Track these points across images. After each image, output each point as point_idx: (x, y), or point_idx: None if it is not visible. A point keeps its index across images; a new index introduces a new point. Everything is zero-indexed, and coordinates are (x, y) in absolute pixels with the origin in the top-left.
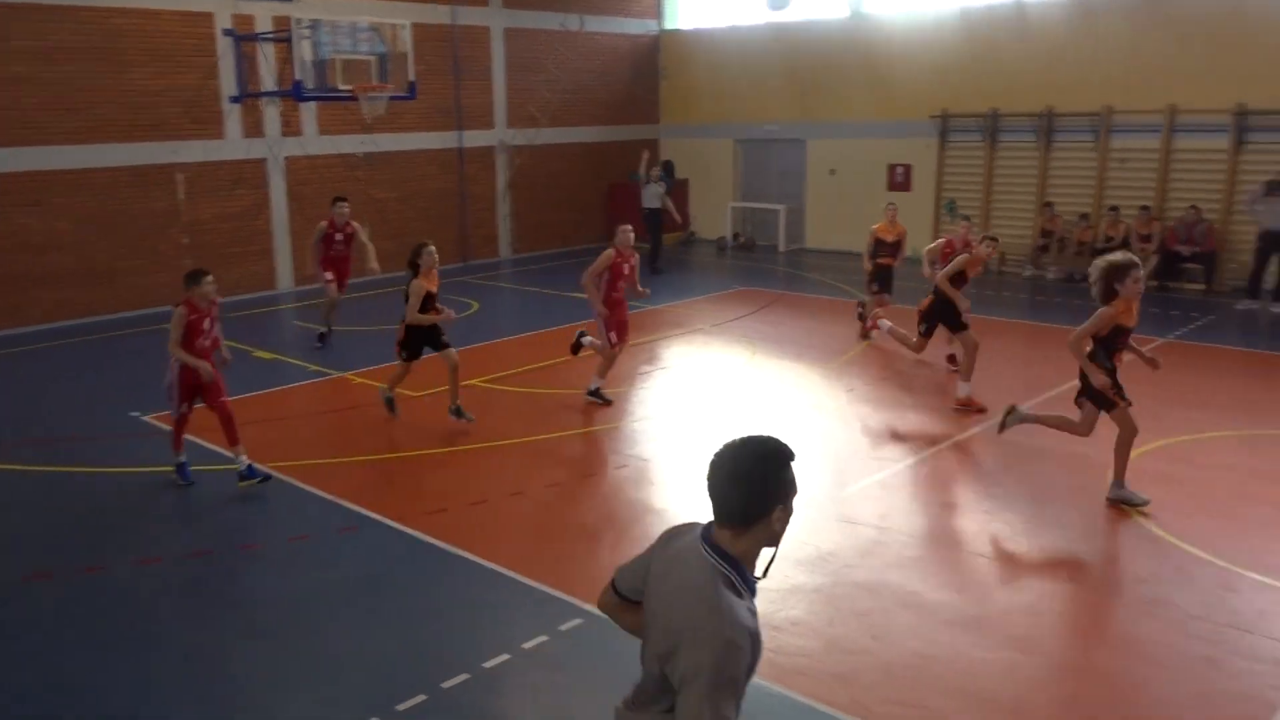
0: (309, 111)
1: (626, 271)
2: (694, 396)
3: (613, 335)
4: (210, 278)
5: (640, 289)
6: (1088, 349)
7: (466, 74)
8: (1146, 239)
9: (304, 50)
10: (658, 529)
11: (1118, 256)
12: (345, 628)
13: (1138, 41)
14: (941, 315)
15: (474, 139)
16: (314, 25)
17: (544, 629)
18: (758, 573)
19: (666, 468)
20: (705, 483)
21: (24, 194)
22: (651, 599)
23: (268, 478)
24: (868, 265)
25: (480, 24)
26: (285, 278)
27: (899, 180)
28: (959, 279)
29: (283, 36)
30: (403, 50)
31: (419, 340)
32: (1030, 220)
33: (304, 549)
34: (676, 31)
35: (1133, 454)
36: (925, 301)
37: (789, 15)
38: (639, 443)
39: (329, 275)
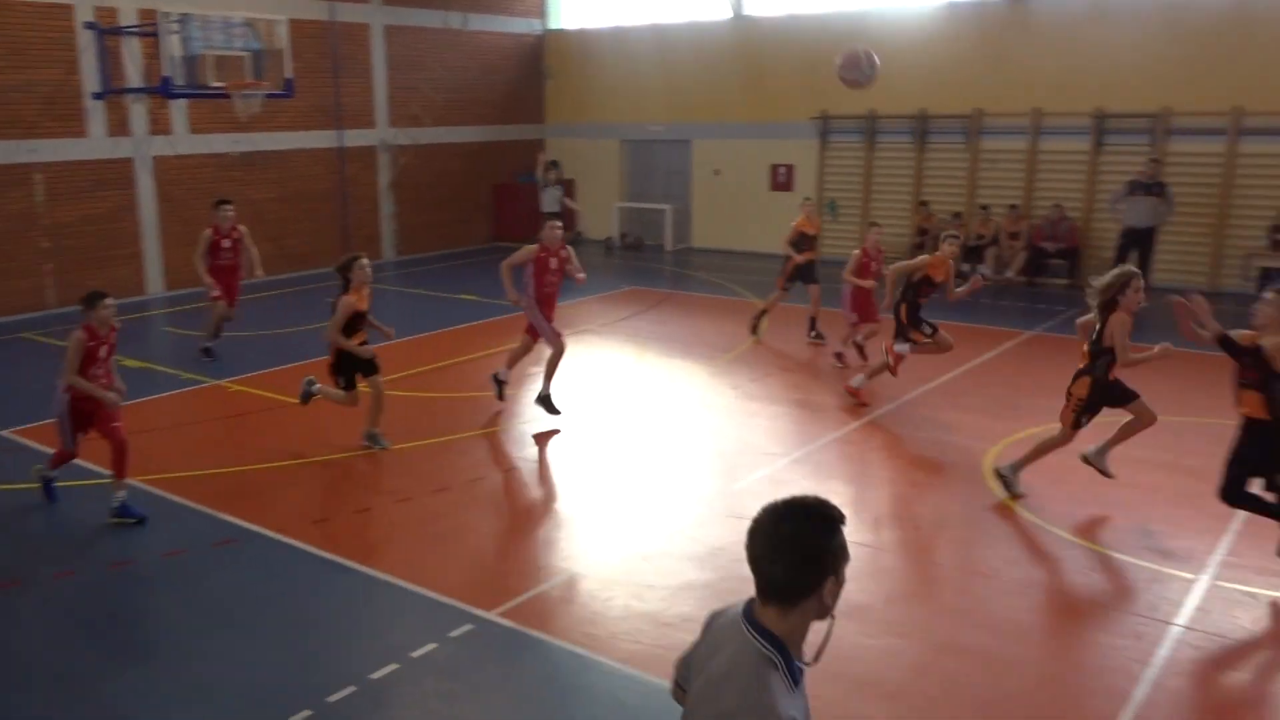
0: (179, 109)
1: (554, 267)
2: (583, 397)
3: (534, 333)
4: (110, 300)
5: (577, 277)
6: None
7: (346, 72)
8: (1015, 236)
9: (173, 45)
10: (549, 531)
11: (1120, 270)
12: (225, 645)
13: (1004, 48)
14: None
15: (355, 138)
16: (183, 20)
17: (433, 636)
18: (807, 657)
19: (557, 469)
20: (745, 553)
21: None
22: (694, 687)
23: (143, 519)
24: (796, 257)
25: (360, 21)
26: (155, 282)
27: (781, 180)
28: (925, 286)
29: (149, 31)
30: (278, 47)
31: (352, 366)
32: (907, 219)
33: (179, 564)
34: (561, 31)
35: (1001, 443)
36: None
37: (670, 16)
38: (528, 445)
39: (215, 291)
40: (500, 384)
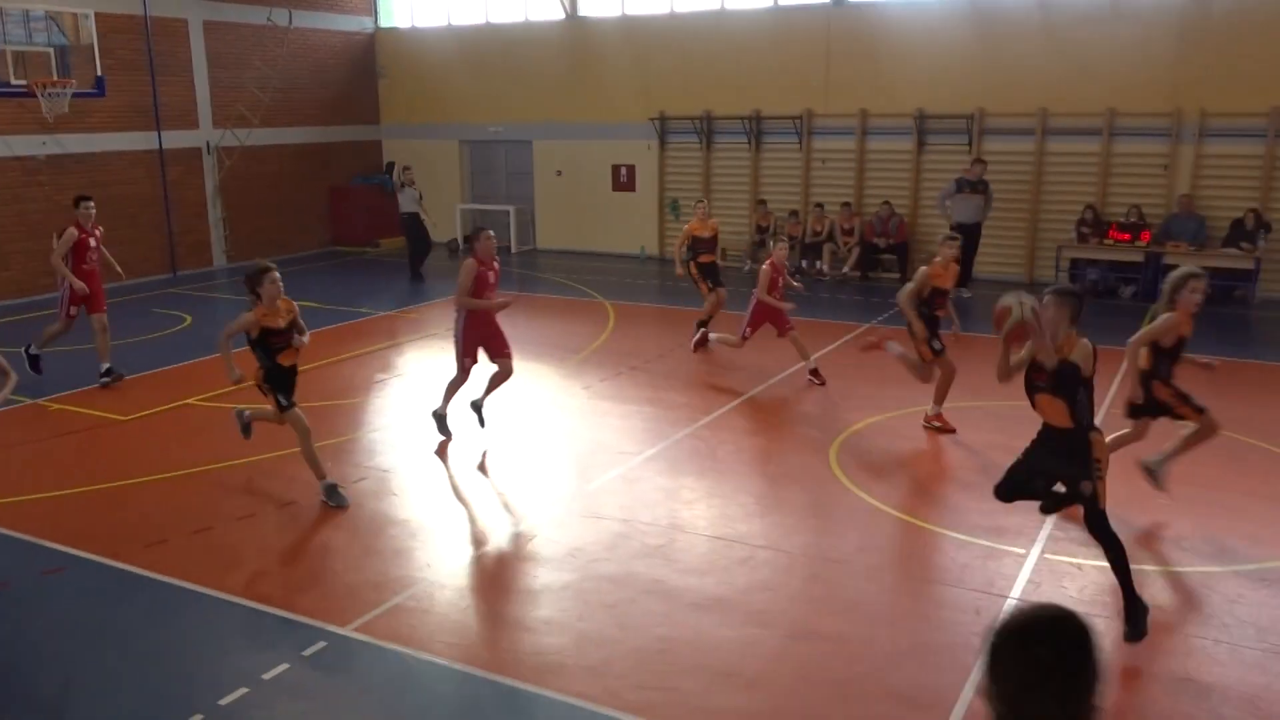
0: None
1: (492, 280)
2: (431, 403)
3: (476, 355)
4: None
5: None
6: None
7: (164, 69)
8: (849, 232)
9: None
10: (403, 540)
11: (1186, 268)
12: (60, 680)
13: (832, 51)
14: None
15: (176, 139)
16: None
17: (285, 657)
18: None
19: (408, 477)
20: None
21: None
22: None
23: None
24: (680, 270)
25: (176, 16)
26: None
27: (624, 181)
28: (938, 297)
29: None
30: (87, 42)
31: (282, 383)
32: (747, 217)
33: (1, 599)
34: (393, 30)
35: (844, 432)
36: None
37: (504, 15)
38: (378, 453)
39: (75, 298)
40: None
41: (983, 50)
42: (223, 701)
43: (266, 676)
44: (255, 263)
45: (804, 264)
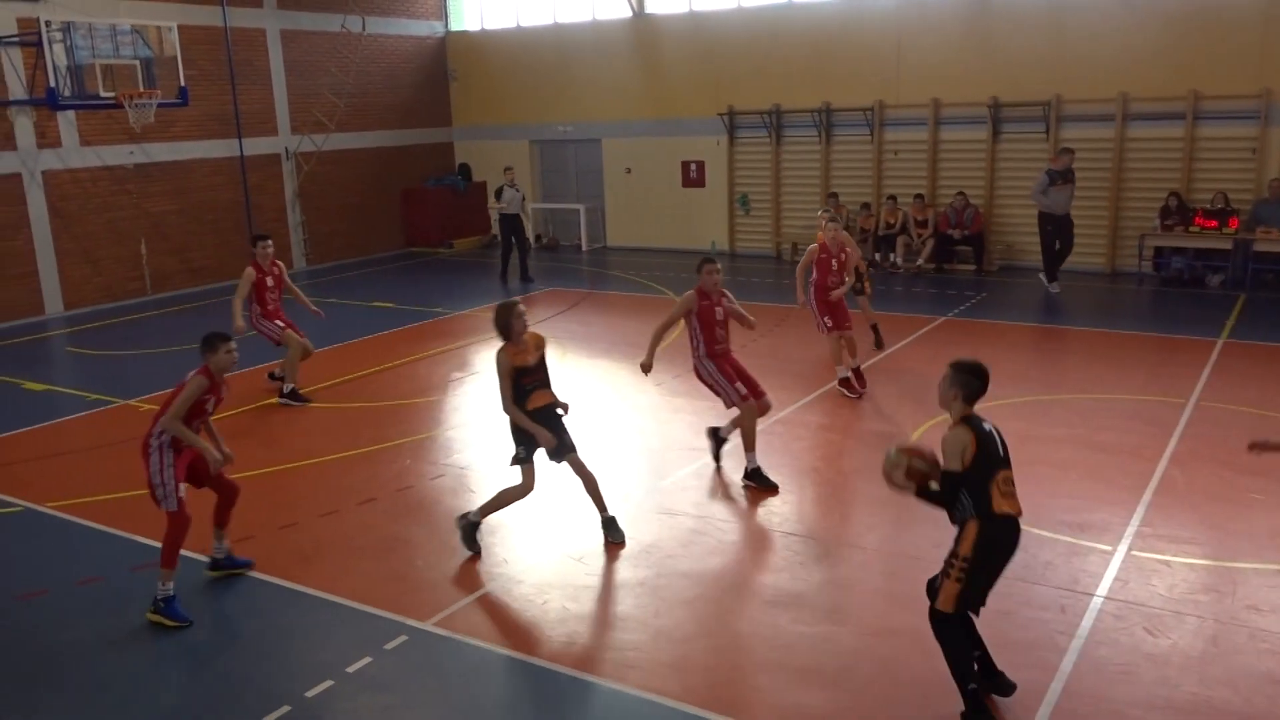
0: (68, 121)
1: (719, 318)
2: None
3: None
4: (233, 344)
5: (748, 322)
6: None
7: (244, 78)
8: (923, 224)
9: (58, 55)
10: (481, 537)
11: None
12: (152, 671)
13: (902, 40)
14: None
15: (256, 146)
16: (67, 28)
17: (368, 650)
18: None
19: (485, 474)
20: None
21: None
22: None
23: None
24: (801, 299)
25: (255, 26)
26: (53, 301)
27: (693, 177)
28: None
29: (30, 40)
30: (170, 53)
31: (522, 434)
32: (818, 211)
33: (96, 592)
34: (463, 33)
35: (921, 427)
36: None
37: (571, 15)
38: (454, 450)
39: (280, 324)
40: (720, 441)
41: (1058, 34)
42: (309, 693)
43: (350, 669)
44: (502, 301)
45: (877, 257)
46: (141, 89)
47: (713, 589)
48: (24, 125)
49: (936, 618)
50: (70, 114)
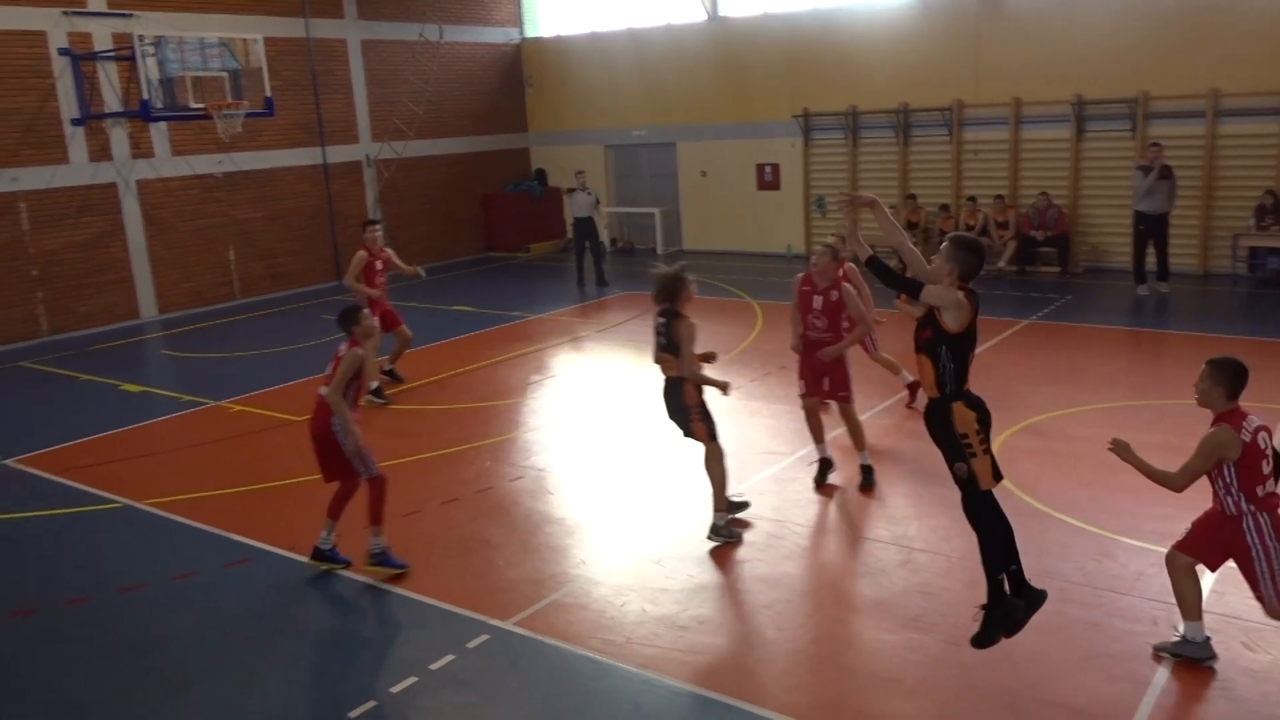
0: (160, 132)
1: (817, 306)
2: (585, 404)
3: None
4: (367, 311)
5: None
6: None
7: (326, 88)
8: (1004, 225)
9: (149, 68)
10: (559, 538)
11: None
12: (242, 665)
13: (982, 39)
14: None
15: (338, 154)
16: (158, 42)
17: (450, 648)
18: None
19: (563, 477)
20: None
21: None
22: None
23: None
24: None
25: (336, 36)
26: (148, 305)
27: (768, 179)
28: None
29: (125, 54)
30: (256, 65)
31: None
32: (896, 213)
33: (191, 587)
34: (538, 39)
35: (1004, 434)
36: None
37: (646, 20)
38: (533, 452)
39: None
40: (825, 466)
41: (1145, 29)
42: (394, 689)
43: (434, 667)
44: (673, 269)
45: None
46: (229, 100)
47: (791, 594)
48: (119, 137)
49: (979, 500)
50: (162, 125)
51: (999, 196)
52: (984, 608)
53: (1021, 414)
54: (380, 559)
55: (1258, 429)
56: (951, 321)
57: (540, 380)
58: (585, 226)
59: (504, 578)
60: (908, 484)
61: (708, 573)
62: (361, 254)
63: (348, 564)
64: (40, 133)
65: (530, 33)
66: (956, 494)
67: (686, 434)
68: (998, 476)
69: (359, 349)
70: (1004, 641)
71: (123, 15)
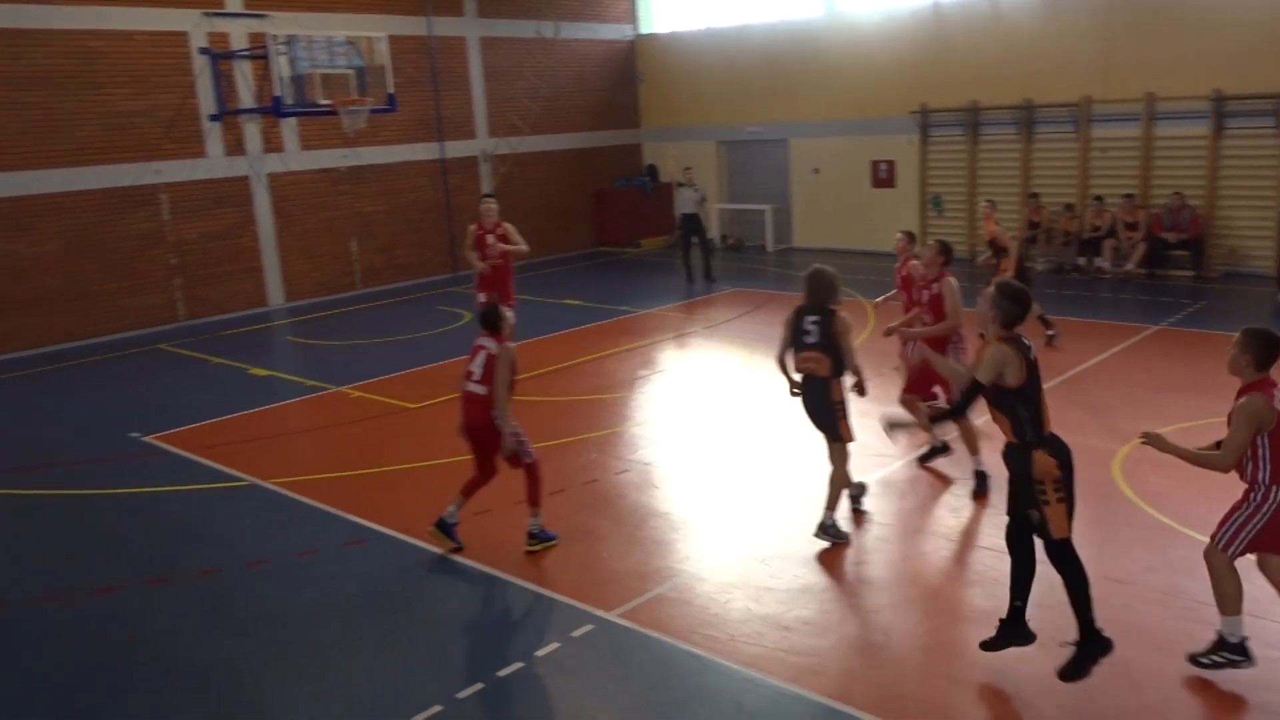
0: (290, 127)
1: (923, 300)
2: (692, 400)
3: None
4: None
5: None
6: None
7: (445, 84)
8: (1133, 227)
9: (281, 66)
10: (664, 532)
11: None
12: (358, 641)
13: (1113, 31)
14: None
15: (456, 149)
16: (290, 41)
17: (556, 636)
18: None
19: (668, 472)
20: None
21: (9, 218)
22: None
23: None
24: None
25: (456, 34)
26: (276, 294)
27: (883, 177)
28: None
29: (259, 53)
30: (380, 63)
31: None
32: (1017, 212)
33: (312, 564)
34: (652, 35)
35: (1130, 443)
36: None
37: (762, 15)
38: (639, 447)
39: (482, 297)
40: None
41: None
42: (501, 673)
43: (540, 653)
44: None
45: (1081, 261)
46: (354, 96)
47: (899, 600)
48: (252, 132)
49: (1061, 548)
50: (292, 121)
51: (1128, 196)
52: (1076, 644)
53: (1149, 424)
54: (539, 536)
55: None
56: (1010, 378)
57: (648, 375)
58: (691, 222)
59: (609, 569)
60: (1000, 494)
61: (814, 574)
62: (472, 227)
63: (460, 548)
64: (181, 128)
65: (644, 29)
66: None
67: (829, 432)
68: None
69: (509, 344)
70: (1122, 659)
71: (258, 16)
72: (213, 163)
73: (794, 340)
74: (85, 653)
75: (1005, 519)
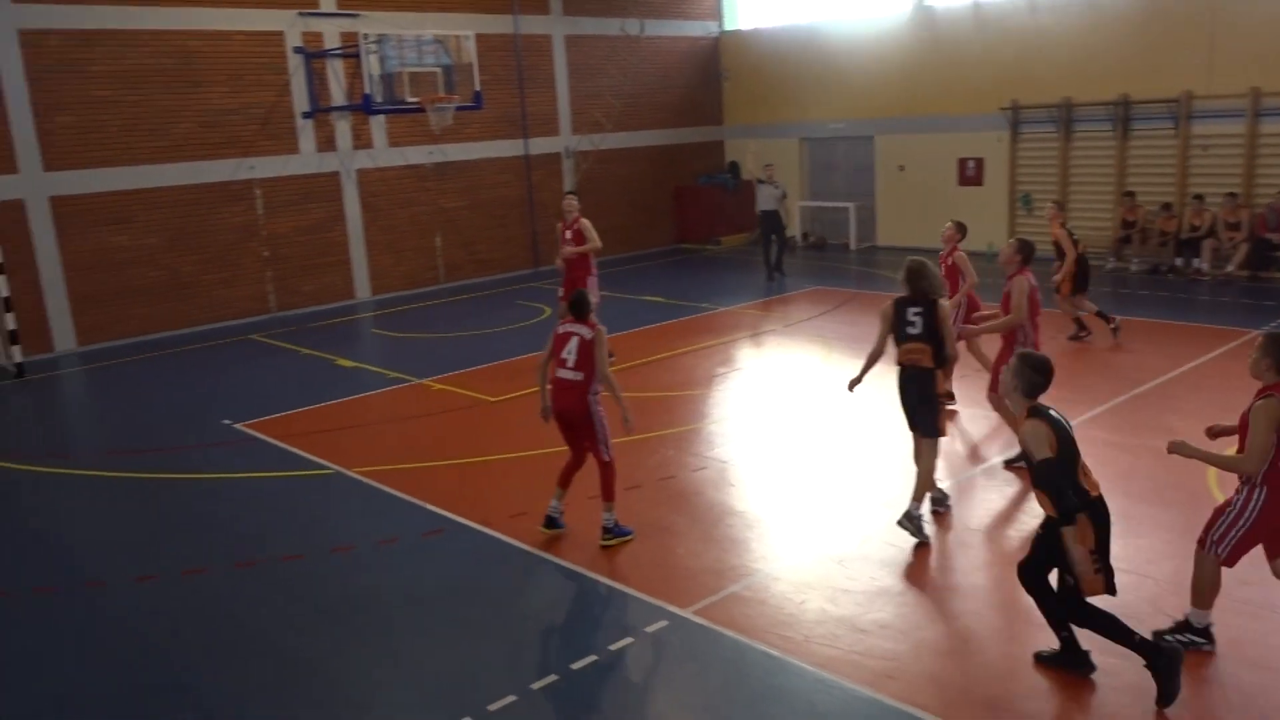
0: (378, 124)
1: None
2: (770, 398)
3: None
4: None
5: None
6: None
7: (530, 82)
8: (1234, 227)
9: (372, 65)
10: (740, 530)
11: None
12: (436, 628)
13: (1214, 24)
14: None
15: (540, 146)
16: (381, 40)
17: (630, 631)
18: None
19: (745, 469)
20: None
21: (112, 212)
22: None
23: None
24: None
25: (542, 32)
26: (362, 287)
27: (970, 175)
28: None
29: (351, 52)
30: (467, 61)
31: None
32: (1110, 211)
33: (393, 552)
34: (736, 32)
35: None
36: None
37: (848, 12)
38: (717, 444)
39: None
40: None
41: None
42: (574, 666)
43: (613, 647)
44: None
45: (1178, 262)
46: (442, 94)
47: (979, 606)
48: (343, 129)
49: (1074, 606)
50: (381, 118)
51: (1231, 194)
52: (1147, 667)
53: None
54: (613, 531)
55: None
56: (1039, 452)
57: (726, 372)
58: (771, 219)
59: (684, 566)
60: (1115, 500)
61: (891, 576)
62: (558, 225)
63: (562, 530)
64: (275, 125)
65: (729, 25)
66: (1168, 514)
67: (926, 425)
68: (1110, 591)
69: (600, 326)
70: (1218, 677)
71: (350, 15)
72: (304, 159)
73: (897, 332)
74: (172, 632)
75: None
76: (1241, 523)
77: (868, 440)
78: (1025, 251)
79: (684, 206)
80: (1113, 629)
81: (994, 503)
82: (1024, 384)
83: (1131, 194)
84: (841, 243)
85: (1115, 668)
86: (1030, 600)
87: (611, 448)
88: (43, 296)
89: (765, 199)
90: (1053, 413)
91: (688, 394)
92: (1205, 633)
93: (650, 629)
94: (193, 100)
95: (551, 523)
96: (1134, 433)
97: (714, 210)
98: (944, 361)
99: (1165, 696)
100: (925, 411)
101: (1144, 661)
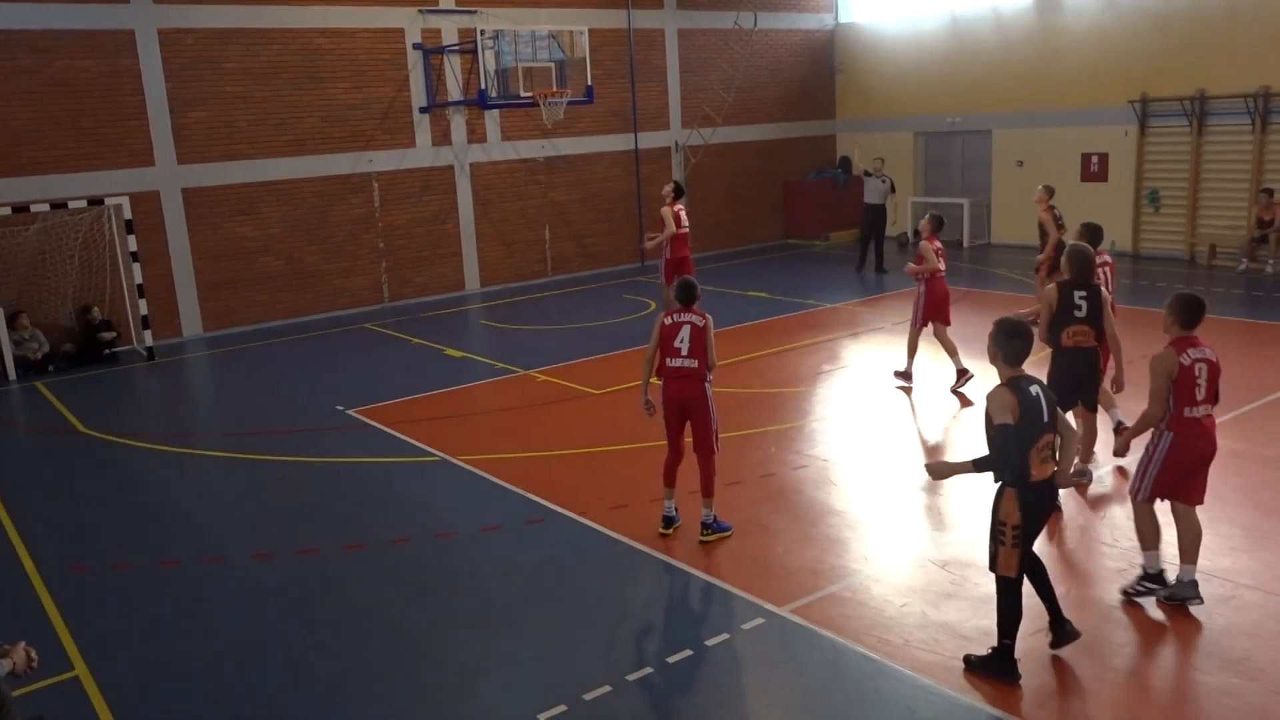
0: (492, 119)
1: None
2: (874, 397)
3: None
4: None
5: None
6: None
7: (642, 76)
8: None
9: (488, 60)
10: (840, 530)
11: None
12: (535, 615)
13: None
14: None
15: (649, 140)
16: (496, 35)
17: (726, 627)
18: None
19: (847, 469)
20: None
21: (239, 204)
22: None
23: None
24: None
25: (655, 27)
26: (472, 279)
27: (1094, 170)
28: None
29: (468, 48)
30: (581, 55)
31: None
32: (1245, 210)
33: (495, 539)
34: (851, 25)
35: None
36: None
37: (968, 4)
38: (819, 443)
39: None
40: None
41: None
42: (670, 659)
43: (709, 643)
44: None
45: None
46: (555, 89)
47: (1092, 617)
48: (458, 123)
49: (1006, 586)
50: (495, 112)
51: None
52: (981, 657)
53: None
54: (713, 527)
55: (1197, 360)
56: (997, 416)
57: (830, 370)
58: (875, 213)
59: (782, 564)
60: (1243, 512)
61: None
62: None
63: (679, 524)
64: (394, 119)
65: (844, 18)
66: None
67: (1089, 400)
68: (1021, 576)
69: (708, 315)
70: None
71: (468, 12)
72: (420, 152)
73: (1065, 315)
74: (285, 609)
75: (1222, 541)
76: (1153, 466)
77: (974, 442)
78: (1092, 235)
79: (793, 202)
80: (1010, 619)
81: (1113, 510)
82: (1006, 351)
83: (1270, 191)
84: (954, 239)
85: (1236, 689)
86: (1141, 613)
87: (720, 440)
88: (173, 284)
89: (871, 192)
90: (1032, 389)
91: (791, 391)
92: (1159, 578)
93: (747, 626)
94: (317, 95)
95: (669, 522)
96: (1266, 442)
97: (823, 206)
98: (1101, 341)
99: (973, 663)
100: (1091, 386)
101: (987, 654)
